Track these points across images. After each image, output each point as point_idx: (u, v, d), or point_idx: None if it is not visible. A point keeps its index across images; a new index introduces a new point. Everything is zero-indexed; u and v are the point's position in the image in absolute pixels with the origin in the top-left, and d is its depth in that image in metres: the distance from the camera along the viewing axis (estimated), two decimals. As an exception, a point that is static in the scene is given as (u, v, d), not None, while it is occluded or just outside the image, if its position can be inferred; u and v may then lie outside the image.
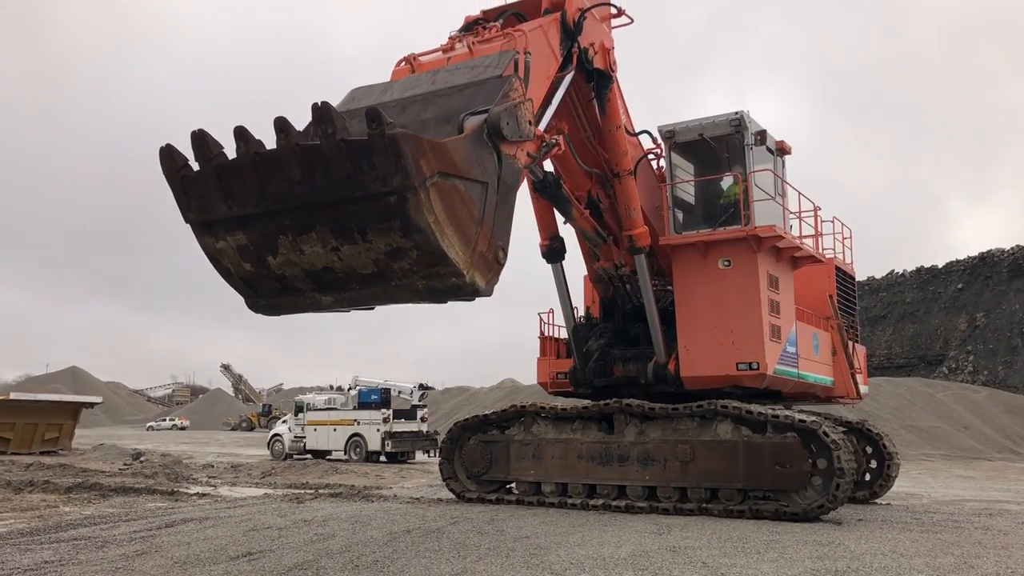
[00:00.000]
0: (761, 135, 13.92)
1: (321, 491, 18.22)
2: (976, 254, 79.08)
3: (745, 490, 12.55)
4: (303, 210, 7.91)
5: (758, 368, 13.27)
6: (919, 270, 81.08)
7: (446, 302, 8.79)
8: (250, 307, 8.92)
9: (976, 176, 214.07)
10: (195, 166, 8.01)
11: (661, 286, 15.02)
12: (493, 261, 8.51)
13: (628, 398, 13.95)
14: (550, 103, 11.16)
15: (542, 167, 13.34)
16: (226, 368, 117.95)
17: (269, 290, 8.66)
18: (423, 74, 10.14)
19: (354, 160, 7.55)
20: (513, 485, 15.31)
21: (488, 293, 8.48)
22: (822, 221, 15.91)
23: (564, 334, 16.17)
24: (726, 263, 13.82)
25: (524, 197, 14.25)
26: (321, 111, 7.54)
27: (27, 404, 35.81)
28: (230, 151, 7.95)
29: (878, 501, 15.89)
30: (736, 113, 14.05)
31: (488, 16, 11.60)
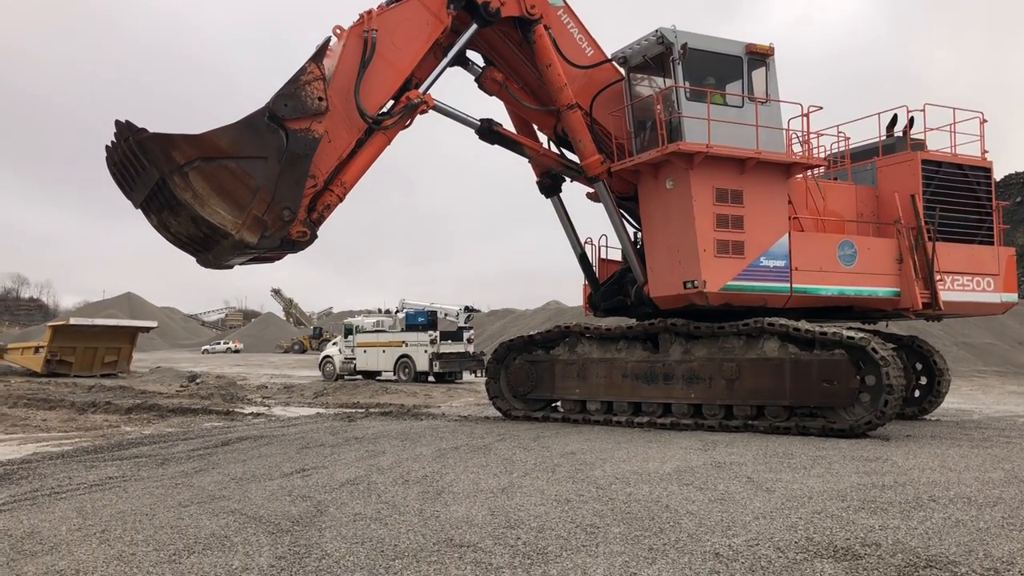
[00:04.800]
0: (684, 48, 13.26)
1: (371, 410, 18.64)
2: (1037, 166, 76.38)
3: (792, 407, 12.52)
4: (153, 195, 10.45)
5: (696, 287, 13.09)
6: (976, 183, 78.67)
7: (248, 255, 11.27)
8: (198, 263, 11.49)
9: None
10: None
11: None
12: (275, 220, 10.71)
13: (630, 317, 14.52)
14: (444, 58, 13.08)
15: (513, 114, 15.22)
16: (276, 292, 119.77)
17: (194, 251, 11.14)
18: None
19: (139, 161, 10.21)
20: (558, 403, 15.49)
21: (268, 246, 10.85)
22: (808, 121, 14.37)
23: (614, 257, 16.32)
24: (671, 183, 13.62)
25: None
26: (117, 126, 10.20)
27: (86, 329, 37.05)
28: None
29: (927, 417, 15.75)
30: (657, 30, 13.51)
31: None
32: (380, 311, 40.02)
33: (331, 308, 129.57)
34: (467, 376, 32.93)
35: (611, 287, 15.71)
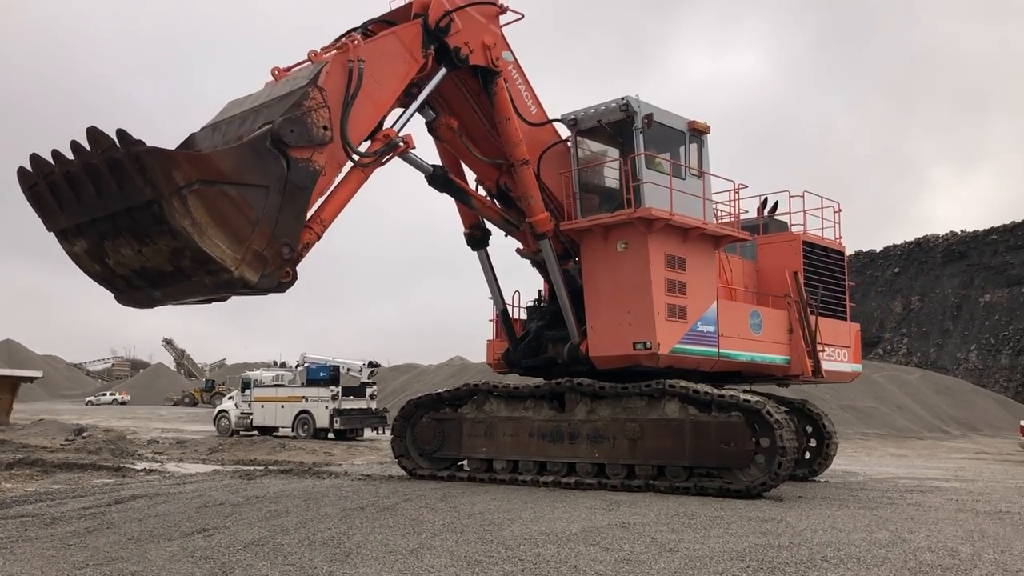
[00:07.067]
0: (648, 118, 13.98)
1: (271, 468, 18.19)
2: (912, 239, 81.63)
3: (691, 467, 12.90)
4: (108, 219, 9.02)
5: (650, 348, 13.51)
6: (857, 254, 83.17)
7: (234, 295, 10.16)
8: (118, 301, 10.15)
9: (970, 138, 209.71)
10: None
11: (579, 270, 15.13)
12: (275, 256, 9.61)
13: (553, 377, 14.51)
14: (416, 99, 12.42)
15: (451, 160, 14.66)
16: (168, 343, 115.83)
17: (121, 286, 9.83)
18: (268, 86, 11.18)
19: (119, 176, 8.67)
20: (465, 462, 15.49)
21: (266, 286, 9.70)
22: (740, 199, 16.07)
23: (520, 315, 16.45)
24: (623, 245, 14.10)
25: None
26: (92, 134, 8.72)
27: (-38, 378, 34.90)
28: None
29: (817, 479, 16.44)
30: (623, 98, 14.14)
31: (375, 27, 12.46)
32: (276, 364, 39.20)
33: (224, 360, 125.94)
34: (368, 433, 32.46)
35: (530, 344, 15.64)
